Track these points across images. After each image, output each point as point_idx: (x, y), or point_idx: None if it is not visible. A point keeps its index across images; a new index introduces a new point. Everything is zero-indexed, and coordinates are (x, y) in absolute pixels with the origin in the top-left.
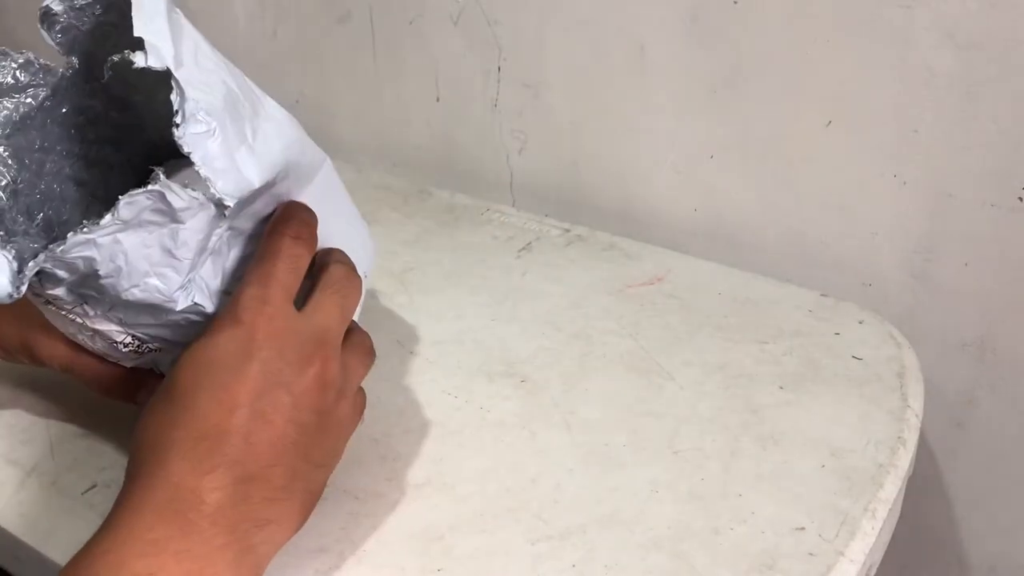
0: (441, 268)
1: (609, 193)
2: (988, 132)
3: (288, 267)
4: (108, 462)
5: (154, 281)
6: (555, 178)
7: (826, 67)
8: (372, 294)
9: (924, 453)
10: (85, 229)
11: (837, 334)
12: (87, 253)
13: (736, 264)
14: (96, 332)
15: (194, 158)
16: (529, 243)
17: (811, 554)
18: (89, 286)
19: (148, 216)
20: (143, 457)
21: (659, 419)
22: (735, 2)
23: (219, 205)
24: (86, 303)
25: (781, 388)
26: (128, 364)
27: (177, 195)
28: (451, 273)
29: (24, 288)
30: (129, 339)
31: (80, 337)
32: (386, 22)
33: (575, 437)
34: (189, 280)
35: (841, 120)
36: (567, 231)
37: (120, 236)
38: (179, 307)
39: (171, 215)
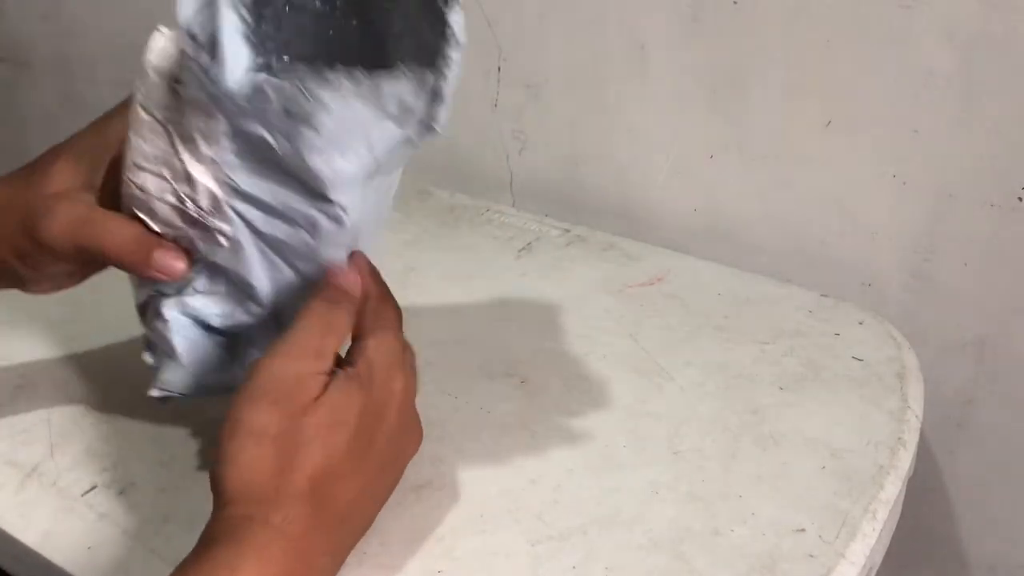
0: (441, 268)
1: (609, 193)
2: (988, 132)
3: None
4: (108, 463)
5: (340, 162)
6: (555, 178)
7: (826, 67)
8: None
9: (924, 453)
10: (341, 74)
11: (837, 334)
12: (325, 94)
13: (736, 264)
14: (188, 176)
15: (449, 77)
16: (529, 243)
17: (811, 555)
18: (273, 125)
19: (389, 103)
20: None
21: (659, 419)
22: (735, 2)
23: (428, 129)
24: (233, 141)
25: (781, 389)
26: (162, 230)
27: (422, 101)
28: (451, 273)
29: (247, 89)
30: (217, 198)
31: (143, 176)
32: None
33: (575, 437)
34: (360, 183)
35: (841, 120)
36: (567, 231)
37: (357, 104)
38: (332, 196)
39: (399, 115)
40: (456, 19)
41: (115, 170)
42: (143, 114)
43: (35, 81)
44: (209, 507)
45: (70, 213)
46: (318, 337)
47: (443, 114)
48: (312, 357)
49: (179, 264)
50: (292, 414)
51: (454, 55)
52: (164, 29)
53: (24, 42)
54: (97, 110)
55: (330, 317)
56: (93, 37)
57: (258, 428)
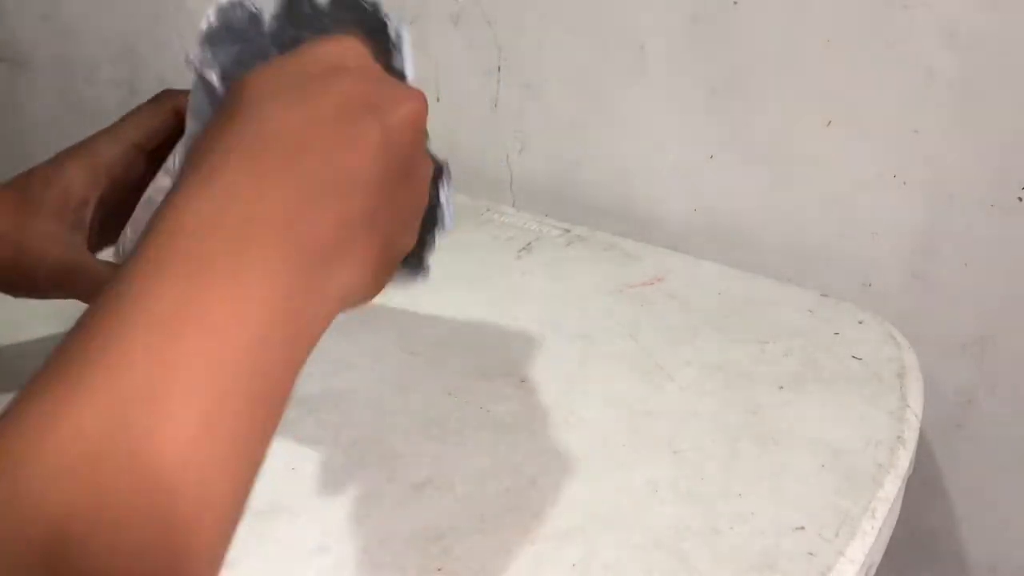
0: (441, 268)
1: (609, 193)
2: (988, 132)
3: None
4: None
5: None
6: (555, 178)
7: (826, 67)
8: None
9: (924, 453)
10: None
11: (837, 334)
12: None
13: (736, 264)
14: None
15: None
16: (529, 243)
17: (811, 554)
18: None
19: None
20: (198, 160)
21: (659, 419)
22: (735, 2)
23: None
24: None
25: (781, 388)
26: None
27: None
28: (451, 273)
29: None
30: None
31: None
32: None
33: (575, 437)
34: None
35: (841, 120)
36: (567, 231)
37: None
38: None
39: None
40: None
41: (102, 207)
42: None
43: (35, 81)
44: None
45: (58, 263)
46: None
47: None
48: None
49: None
50: None
51: (410, 76)
52: None
53: (24, 42)
54: (97, 110)
55: None
56: (93, 37)
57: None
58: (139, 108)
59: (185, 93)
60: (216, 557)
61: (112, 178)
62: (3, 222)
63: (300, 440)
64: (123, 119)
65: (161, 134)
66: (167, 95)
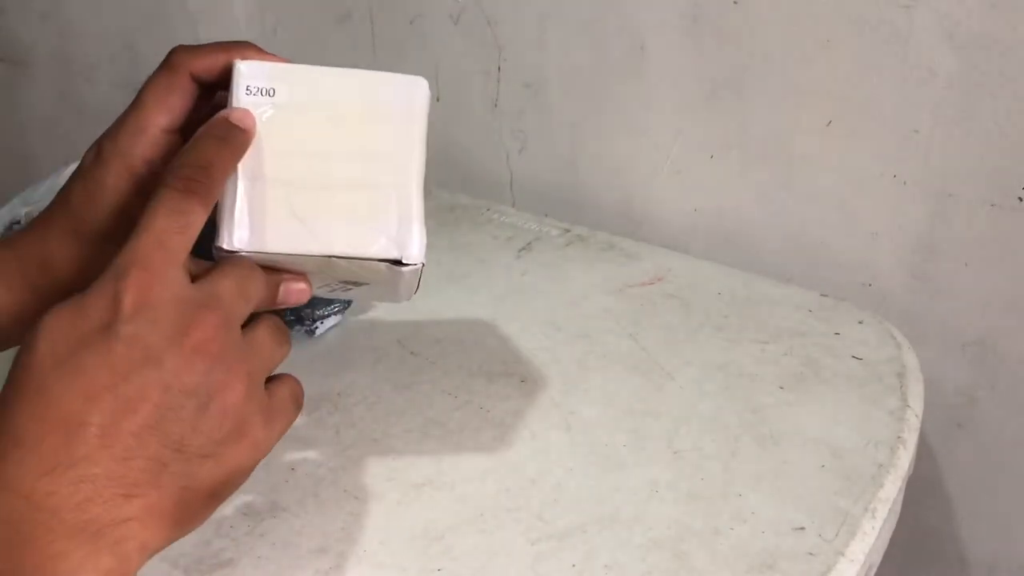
0: (441, 268)
1: (609, 193)
2: (988, 132)
3: (173, 225)
4: None
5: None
6: (555, 178)
7: (826, 67)
8: None
9: (924, 453)
10: None
11: (837, 334)
12: None
13: (736, 264)
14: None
15: None
16: (529, 243)
17: (811, 554)
18: None
19: None
20: None
21: (659, 419)
22: (735, 2)
23: None
24: None
25: (781, 388)
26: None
27: None
28: (451, 273)
29: None
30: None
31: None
32: (386, 22)
33: (575, 437)
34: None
35: (841, 120)
36: (567, 231)
37: None
38: None
39: None
40: None
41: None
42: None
43: (35, 81)
44: None
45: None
46: (177, 236)
47: None
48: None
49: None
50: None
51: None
52: None
53: (24, 42)
54: (96, 110)
55: (184, 206)
56: (93, 37)
57: None
58: (154, 80)
59: (197, 50)
60: None
61: (152, 172)
62: (61, 246)
63: (300, 440)
64: (140, 99)
65: (184, 110)
66: (179, 58)
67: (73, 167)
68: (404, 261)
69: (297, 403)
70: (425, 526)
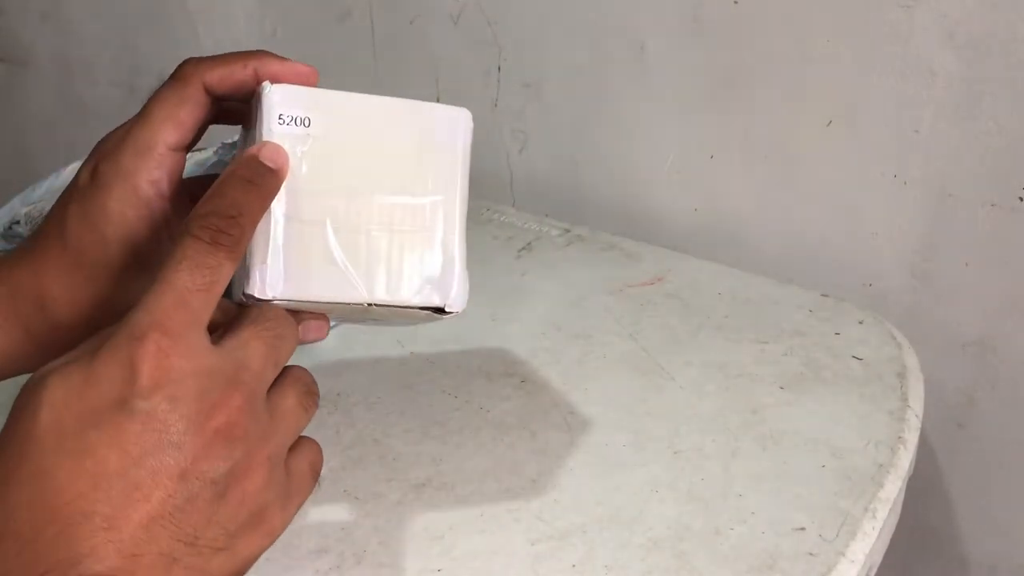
0: None
1: (609, 193)
2: (988, 132)
3: (197, 282)
4: None
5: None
6: (555, 178)
7: (826, 67)
8: None
9: (924, 453)
10: None
11: (837, 334)
12: None
13: (736, 264)
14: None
15: None
16: (529, 243)
17: (811, 554)
18: None
19: None
20: None
21: (659, 419)
22: (735, 2)
23: None
24: None
25: (781, 388)
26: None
27: None
28: None
29: None
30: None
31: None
32: (386, 21)
33: (575, 437)
34: None
35: (841, 120)
36: (567, 231)
37: None
38: None
39: None
40: None
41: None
42: None
43: (34, 81)
44: None
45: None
46: (201, 295)
47: None
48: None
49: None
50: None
51: None
52: None
53: (24, 42)
54: (96, 110)
55: (210, 260)
56: (93, 37)
57: None
58: (162, 93)
59: (210, 60)
60: None
61: (160, 195)
62: (58, 282)
63: None
64: (147, 113)
65: (195, 126)
66: (191, 68)
67: (74, 167)
68: (447, 309)
69: (316, 475)
70: (425, 526)
